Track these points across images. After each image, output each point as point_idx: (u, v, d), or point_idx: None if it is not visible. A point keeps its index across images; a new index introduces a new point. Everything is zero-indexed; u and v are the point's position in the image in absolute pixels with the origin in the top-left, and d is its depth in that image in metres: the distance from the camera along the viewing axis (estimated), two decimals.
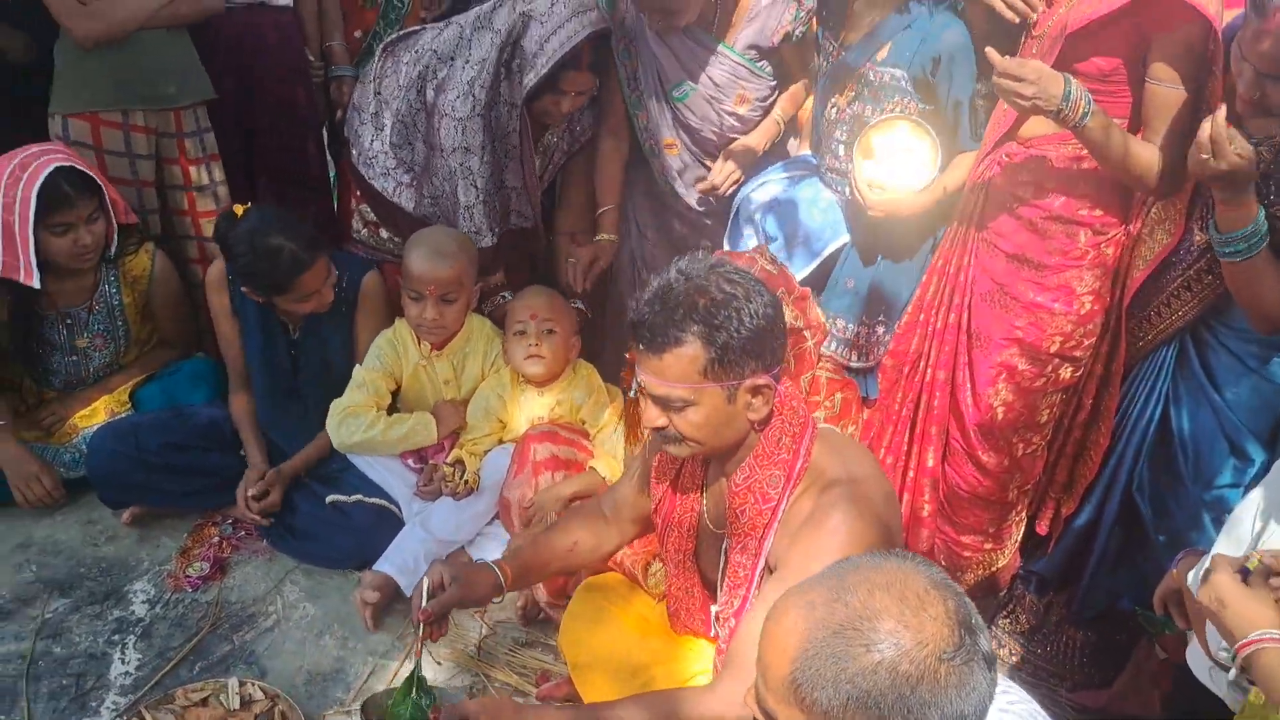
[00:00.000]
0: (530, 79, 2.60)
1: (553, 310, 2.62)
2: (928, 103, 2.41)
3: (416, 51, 2.82)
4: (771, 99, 2.82)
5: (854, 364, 2.67)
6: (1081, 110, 1.98)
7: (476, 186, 2.75)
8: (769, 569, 1.72)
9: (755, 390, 1.66)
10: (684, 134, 2.85)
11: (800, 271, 2.62)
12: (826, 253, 2.62)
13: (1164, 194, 2.12)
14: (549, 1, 2.61)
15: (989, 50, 2.03)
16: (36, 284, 2.61)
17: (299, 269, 2.53)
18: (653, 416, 1.70)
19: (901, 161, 2.43)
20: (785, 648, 1.10)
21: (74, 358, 2.88)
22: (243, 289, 2.65)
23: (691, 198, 2.92)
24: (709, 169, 2.86)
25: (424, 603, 1.82)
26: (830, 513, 1.65)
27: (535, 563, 2.04)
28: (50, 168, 2.60)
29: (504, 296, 2.93)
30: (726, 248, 2.79)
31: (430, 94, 2.77)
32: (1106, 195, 2.21)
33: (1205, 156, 1.78)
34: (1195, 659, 1.74)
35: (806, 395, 2.35)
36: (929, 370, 2.50)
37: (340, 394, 2.69)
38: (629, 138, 2.91)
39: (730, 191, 2.83)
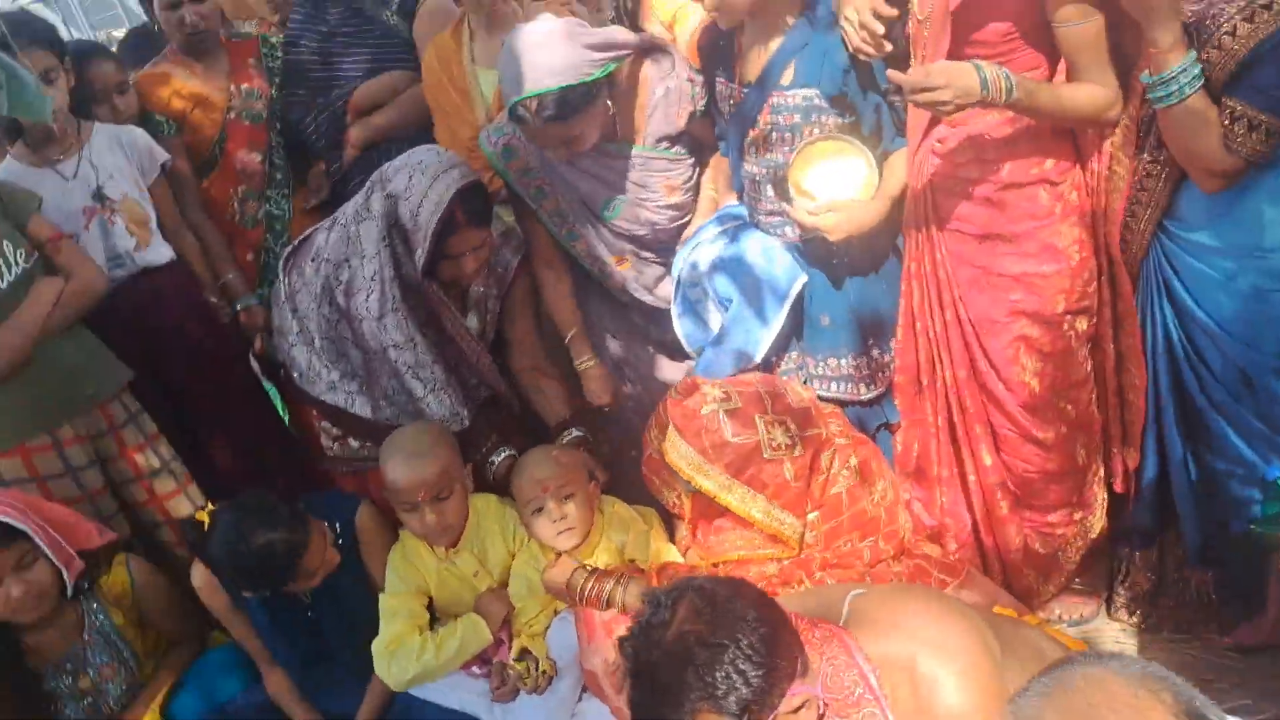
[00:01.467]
0: (420, 256, 2.49)
1: (562, 473, 2.44)
2: (847, 114, 2.32)
3: (314, 260, 2.68)
4: (695, 176, 2.72)
5: (865, 395, 2.55)
6: (1004, 89, 1.92)
7: (421, 378, 2.61)
8: None
9: (795, 710, 1.49)
10: (629, 244, 2.74)
11: (775, 320, 2.51)
12: (792, 294, 2.51)
13: (1117, 121, 2.03)
14: (406, 176, 2.50)
15: (891, 73, 2.00)
16: None
17: (296, 555, 2.35)
18: None
19: (839, 180, 2.33)
20: None
21: (88, 699, 2.65)
22: (245, 595, 2.46)
23: (658, 300, 2.80)
24: (664, 264, 2.75)
25: None
26: (944, 695, 1.50)
27: None
28: None
29: (502, 452, 2.76)
30: (679, 327, 2.69)
31: (341, 300, 2.63)
32: (1050, 145, 2.13)
33: None
34: None
35: (828, 473, 2.23)
36: (947, 373, 2.38)
37: (374, 638, 2.49)
38: (565, 258, 2.79)
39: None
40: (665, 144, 2.62)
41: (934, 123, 2.18)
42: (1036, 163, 2.12)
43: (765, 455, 2.11)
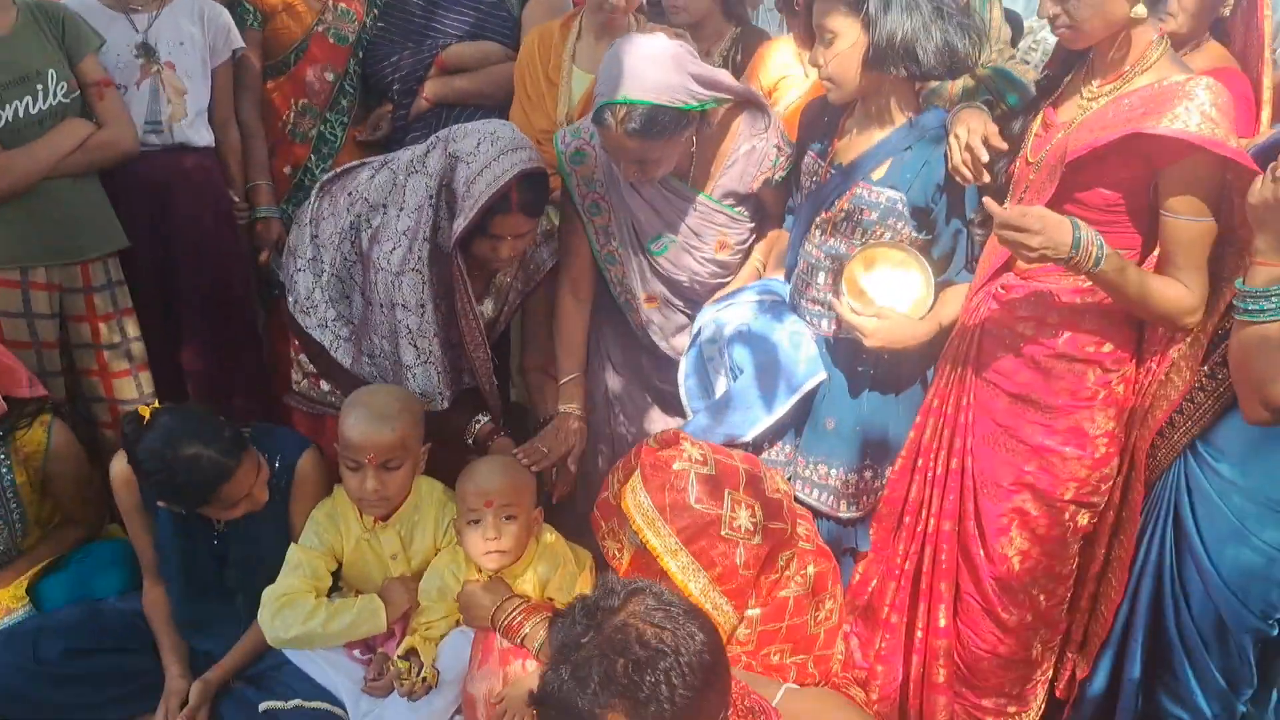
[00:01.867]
0: (459, 224, 2.37)
1: (511, 492, 2.30)
2: (924, 230, 2.25)
3: (351, 195, 2.59)
4: (750, 241, 2.64)
5: (844, 514, 2.44)
6: (1094, 257, 1.83)
7: (417, 346, 2.49)
8: None
9: None
10: (664, 286, 2.66)
11: (779, 408, 2.41)
12: (805, 388, 2.41)
13: (1191, 330, 1.94)
14: (475, 141, 2.40)
15: (986, 200, 1.90)
16: None
17: (221, 478, 2.21)
18: None
19: (894, 290, 2.25)
20: None
21: None
22: (159, 504, 2.32)
23: (671, 351, 2.70)
24: (689, 316, 2.66)
25: None
26: None
27: None
28: None
29: (479, 421, 2.63)
30: (684, 383, 2.57)
31: (364, 243, 2.53)
32: (1116, 330, 2.03)
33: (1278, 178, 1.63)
34: None
35: (781, 574, 2.12)
36: (932, 520, 2.27)
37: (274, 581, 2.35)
38: (593, 286, 2.69)
39: None
40: (731, 201, 2.54)
41: (1005, 267, 2.10)
42: (1096, 342, 2.03)
43: (722, 532, 2.00)
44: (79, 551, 2.64)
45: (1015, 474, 2.14)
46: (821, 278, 2.37)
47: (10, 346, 2.56)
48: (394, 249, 2.46)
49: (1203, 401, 1.96)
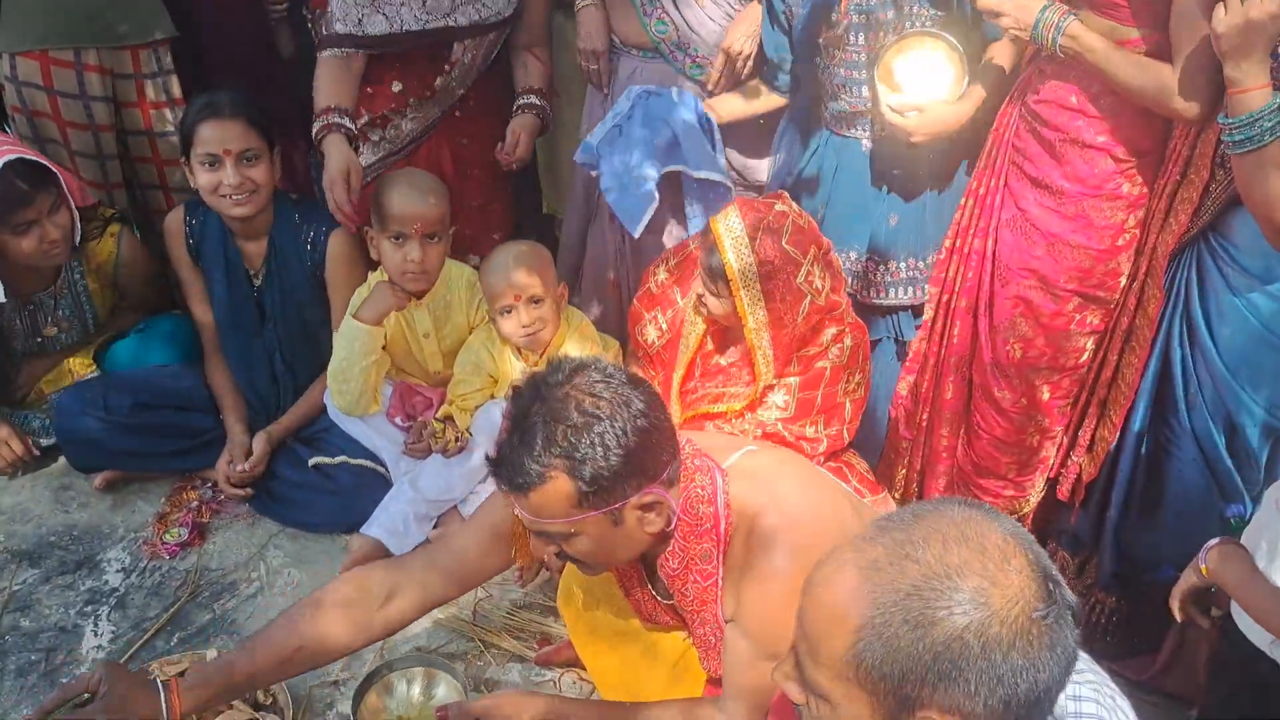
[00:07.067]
0: None
1: (535, 279, 2.40)
2: (939, 8, 2.24)
3: None
4: None
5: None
6: (1049, 38, 1.86)
7: None
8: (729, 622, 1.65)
9: (644, 507, 1.53)
10: None
11: None
12: None
13: (1190, 120, 1.90)
14: None
15: None
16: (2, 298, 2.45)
17: (233, 110, 2.42)
18: (541, 548, 1.59)
19: (929, 80, 2.25)
20: (844, 617, 0.96)
21: (39, 340, 2.72)
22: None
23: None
24: None
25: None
26: (769, 555, 1.55)
27: (230, 681, 1.64)
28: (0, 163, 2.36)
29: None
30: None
31: None
32: (1131, 121, 2.01)
33: None
34: (1253, 630, 1.62)
35: (824, 348, 2.21)
36: (953, 298, 2.34)
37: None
38: None
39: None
40: None
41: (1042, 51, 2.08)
42: (1108, 130, 2.02)
43: (797, 280, 2.08)
44: (140, 325, 2.84)
45: (1024, 259, 2.17)
46: (859, 90, 2.36)
47: (68, 127, 2.69)
48: None
49: (1214, 191, 1.93)
